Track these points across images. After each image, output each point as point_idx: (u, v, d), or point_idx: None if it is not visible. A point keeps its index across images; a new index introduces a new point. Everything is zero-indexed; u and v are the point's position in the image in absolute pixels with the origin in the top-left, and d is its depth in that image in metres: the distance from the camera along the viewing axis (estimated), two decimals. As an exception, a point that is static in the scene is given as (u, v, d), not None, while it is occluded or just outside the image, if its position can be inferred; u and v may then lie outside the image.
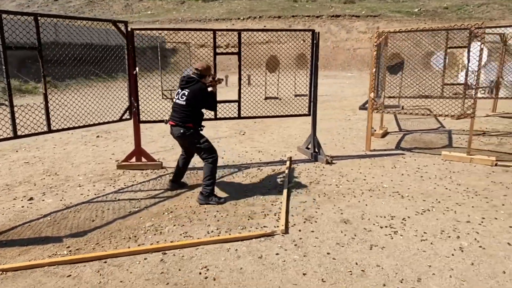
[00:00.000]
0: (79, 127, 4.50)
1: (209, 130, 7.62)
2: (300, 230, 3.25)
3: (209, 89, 4.01)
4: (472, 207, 3.68)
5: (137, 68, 4.79)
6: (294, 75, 10.98)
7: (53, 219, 3.58)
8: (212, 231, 3.27)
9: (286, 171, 4.81)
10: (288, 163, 5.20)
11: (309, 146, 5.64)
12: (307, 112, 5.60)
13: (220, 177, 4.72)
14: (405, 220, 3.40)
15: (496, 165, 4.92)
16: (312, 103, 5.49)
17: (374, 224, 3.33)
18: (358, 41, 26.06)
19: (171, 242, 3.06)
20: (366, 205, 3.77)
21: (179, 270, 2.68)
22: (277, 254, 2.87)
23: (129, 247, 3.01)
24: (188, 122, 3.85)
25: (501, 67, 8.26)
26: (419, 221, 3.37)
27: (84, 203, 3.95)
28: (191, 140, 3.94)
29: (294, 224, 3.37)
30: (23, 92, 13.22)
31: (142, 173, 4.97)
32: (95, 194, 4.22)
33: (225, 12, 35.40)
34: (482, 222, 3.34)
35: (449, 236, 3.08)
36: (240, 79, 5.24)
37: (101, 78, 17.65)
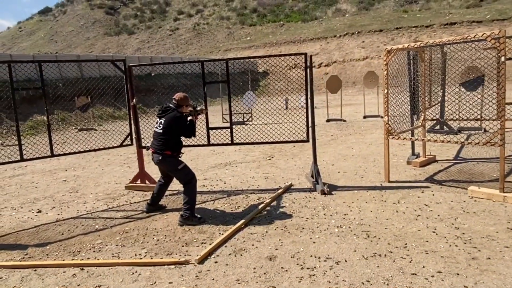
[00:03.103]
0: (80, 152, 5.42)
1: (240, 154, 8.01)
2: (216, 262, 3.30)
3: (189, 118, 4.39)
4: (441, 257, 3.09)
5: (135, 100, 5.54)
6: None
7: (37, 230, 4.42)
8: (140, 254, 3.58)
9: (267, 200, 4.80)
10: (279, 191, 5.15)
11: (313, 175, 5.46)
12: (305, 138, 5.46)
13: (203, 201, 5.01)
14: (338, 264, 3.10)
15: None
16: (310, 129, 5.34)
17: (297, 265, 3.13)
18: (477, 50, 23.01)
19: (88, 259, 3.49)
20: (314, 242, 3.54)
21: (78, 285, 3.08)
22: (170, 283, 3.01)
23: (63, 260, 3.56)
24: (165, 150, 4.26)
25: None
26: (353, 267, 3.03)
27: (72, 218, 4.74)
28: (169, 166, 4.38)
29: (217, 255, 3.42)
30: (115, 117, 15.94)
31: (143, 194, 5.62)
32: (87, 211, 5.01)
33: (321, 31, 35.91)
34: (432, 276, 2.81)
35: (368, 288, 2.71)
36: (230, 105, 5.51)
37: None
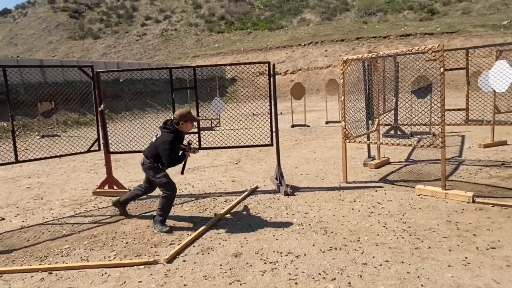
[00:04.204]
0: (46, 158, 5.34)
1: (208, 159, 8.13)
2: (184, 261, 3.42)
3: (182, 152, 4.26)
4: (389, 248, 3.39)
5: (103, 105, 5.56)
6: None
7: (0, 237, 4.33)
8: (109, 256, 3.63)
9: (234, 202, 4.97)
10: (245, 193, 5.33)
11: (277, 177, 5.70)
12: (271, 142, 5.69)
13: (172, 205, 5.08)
14: (297, 258, 3.32)
15: (473, 201, 4.37)
16: (273, 134, 5.59)
17: (261, 260, 3.33)
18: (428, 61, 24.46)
19: (56, 263, 3.51)
20: (277, 239, 3.75)
21: (47, 288, 3.10)
22: (140, 282, 3.10)
23: (31, 265, 3.54)
24: (150, 157, 4.25)
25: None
26: (311, 260, 3.26)
27: (37, 225, 4.67)
28: (149, 171, 4.31)
29: (186, 255, 3.55)
30: (81, 124, 15.52)
31: (110, 199, 5.59)
32: (53, 218, 4.94)
33: (287, 40, 36.67)
34: (380, 265, 3.09)
35: (323, 278, 2.94)
36: (198, 111, 5.65)
37: (155, 109, 19.73)
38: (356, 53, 28.03)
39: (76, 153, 5.65)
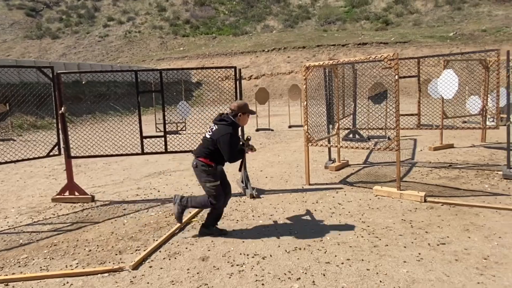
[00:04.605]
0: (1, 163, 5.01)
1: (174, 163, 7.98)
2: (150, 267, 3.34)
3: (242, 146, 3.96)
4: (350, 247, 3.51)
5: (63, 108, 5.31)
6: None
7: (-50, 248, 3.99)
8: (71, 265, 3.46)
9: (200, 206, 4.91)
10: (211, 197, 5.29)
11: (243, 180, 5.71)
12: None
13: (136, 210, 4.94)
14: (264, 259, 3.35)
15: (425, 201, 4.63)
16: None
17: (228, 262, 3.32)
18: (385, 69, 25.61)
19: (13, 274, 3.30)
20: (243, 241, 3.76)
21: (3, 301, 2.90)
22: (104, 289, 2.99)
23: (-15, 277, 3.30)
24: (202, 157, 3.79)
25: (486, 95, 7.81)
26: (277, 261, 3.30)
27: (-9, 234, 4.36)
28: (200, 174, 3.84)
29: (152, 260, 3.46)
30: (38, 127, 14.68)
31: (71, 206, 5.34)
32: (9, 226, 4.63)
33: (251, 45, 36.89)
34: (342, 263, 3.19)
35: (289, 278, 2.99)
36: (164, 115, 5.56)
37: (119, 112, 19.08)
38: (317, 60, 28.79)
39: (33, 158, 5.34)
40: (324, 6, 46.34)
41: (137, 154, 5.64)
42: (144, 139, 5.64)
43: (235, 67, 5.48)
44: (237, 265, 3.27)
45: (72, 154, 5.64)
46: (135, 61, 39.35)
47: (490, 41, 25.37)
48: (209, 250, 3.60)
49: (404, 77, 7.21)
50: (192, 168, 3.97)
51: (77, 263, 3.49)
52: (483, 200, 4.59)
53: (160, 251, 3.65)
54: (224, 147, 3.68)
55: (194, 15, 51.87)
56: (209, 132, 3.87)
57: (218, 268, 3.23)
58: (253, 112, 4.08)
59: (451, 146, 7.97)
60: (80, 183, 5.94)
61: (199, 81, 30.44)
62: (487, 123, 8.29)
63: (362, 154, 7.80)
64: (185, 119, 11.92)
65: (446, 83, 7.29)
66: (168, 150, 5.66)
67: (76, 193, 5.57)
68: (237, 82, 5.46)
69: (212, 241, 3.81)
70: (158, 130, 12.38)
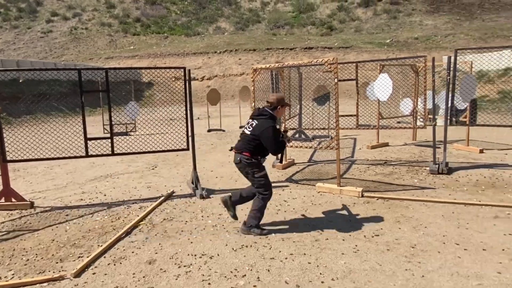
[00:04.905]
0: None
1: (122, 165, 7.65)
2: (94, 274, 3.18)
3: (282, 137, 3.88)
4: (293, 242, 3.62)
5: (-3, 109, 4.86)
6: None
7: None
8: (6, 277, 3.19)
9: (148, 209, 4.77)
10: (161, 199, 5.16)
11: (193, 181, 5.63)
12: (185, 147, 5.61)
13: (80, 216, 4.67)
14: (211, 259, 3.33)
15: (362, 196, 4.90)
16: (189, 138, 5.53)
17: (175, 264, 3.26)
18: (325, 72, 26.63)
19: None
20: (192, 242, 3.72)
21: None
22: (42, 300, 2.79)
23: None
24: (246, 151, 3.76)
25: (416, 97, 8.43)
26: (224, 259, 3.31)
27: None
28: (247, 169, 3.82)
29: (96, 267, 3.29)
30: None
31: (7, 214, 4.91)
32: None
33: (204, 46, 36.46)
34: (286, 258, 3.28)
35: (235, 276, 3.01)
36: (110, 116, 5.31)
37: (62, 112, 17.88)
38: (267, 62, 29.21)
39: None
40: (273, 11, 47.08)
41: (80, 157, 5.32)
42: (88, 141, 5.34)
43: (184, 68, 5.39)
44: (185, 266, 3.22)
45: (9, 158, 5.19)
46: (81, 59, 37.07)
47: (421, 48, 27.44)
48: (156, 253, 3.51)
49: (344, 80, 7.57)
50: (234, 164, 3.94)
51: (12, 274, 3.22)
52: (412, 194, 4.96)
53: (104, 257, 3.48)
54: (268, 140, 3.68)
55: (144, 13, 50.06)
56: (249, 128, 3.83)
57: (165, 271, 3.16)
58: (288, 105, 4.14)
59: (386, 144, 8.51)
60: (18, 189, 5.48)
61: (151, 81, 29.45)
62: (418, 123, 8.98)
63: (307, 153, 8.06)
64: (134, 120, 11.48)
65: (382, 86, 7.77)
66: (116, 152, 5.42)
67: (13, 200, 5.12)
68: (187, 83, 5.37)
69: (159, 244, 3.72)
70: (106, 131, 11.79)
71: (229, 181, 6.12)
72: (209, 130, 12.03)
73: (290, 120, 8.67)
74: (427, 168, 6.10)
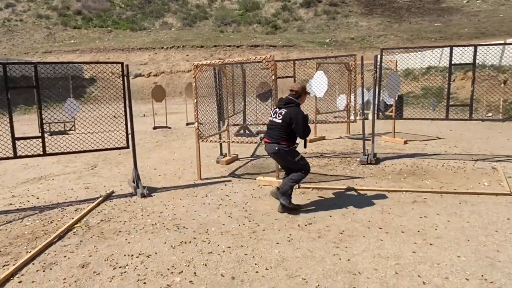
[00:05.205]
0: None
1: (58, 166, 7.12)
2: (20, 282, 2.92)
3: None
4: (232, 235, 3.65)
5: None
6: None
7: None
8: None
9: (85, 210, 4.49)
10: (99, 200, 4.88)
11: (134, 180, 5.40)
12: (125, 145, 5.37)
13: (8, 221, 4.25)
14: (148, 257, 3.24)
15: (299, 187, 5.07)
16: (129, 136, 5.29)
17: (110, 266, 3.11)
18: (263, 69, 27.04)
19: None
20: (129, 242, 3.57)
21: None
22: (-43, 316, 2.51)
23: None
24: (283, 140, 4.03)
25: (349, 93, 8.89)
26: (161, 257, 3.23)
27: None
28: (285, 157, 4.12)
29: (23, 275, 3.03)
30: None
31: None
32: None
33: (150, 42, 35.05)
34: (223, 251, 3.29)
35: (172, 273, 2.96)
36: (40, 113, 4.90)
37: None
38: (215, 59, 28.86)
39: None
40: (220, 8, 46.61)
41: (8, 158, 4.84)
42: (17, 141, 4.87)
43: (122, 63, 5.13)
44: (120, 267, 3.09)
45: None
46: (15, 53, 33.68)
47: (357, 47, 28.95)
48: (90, 256, 3.32)
49: (283, 77, 7.74)
50: (269, 155, 4.25)
51: None
52: (343, 184, 5.24)
53: (33, 264, 3.22)
54: (300, 125, 3.97)
55: (86, 6, 46.76)
56: (278, 117, 4.08)
57: (98, 273, 3.00)
58: (309, 93, 4.55)
59: (323, 138, 8.88)
60: None
61: (93, 77, 27.68)
62: (352, 117, 9.48)
63: (251, 148, 8.14)
64: (73, 117, 10.71)
65: (318, 83, 8.07)
66: (49, 152, 5.01)
67: None
68: (125, 79, 5.11)
69: (95, 246, 3.52)
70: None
71: (172, 178, 5.97)
72: (154, 128, 11.63)
73: (235, 116, 8.67)
74: (358, 159, 6.47)
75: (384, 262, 3.05)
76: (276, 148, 4.06)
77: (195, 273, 2.95)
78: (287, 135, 4.04)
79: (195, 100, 5.87)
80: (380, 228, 3.72)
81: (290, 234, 3.62)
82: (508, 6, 38.19)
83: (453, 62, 6.14)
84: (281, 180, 5.19)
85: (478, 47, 6.11)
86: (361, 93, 6.48)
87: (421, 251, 3.23)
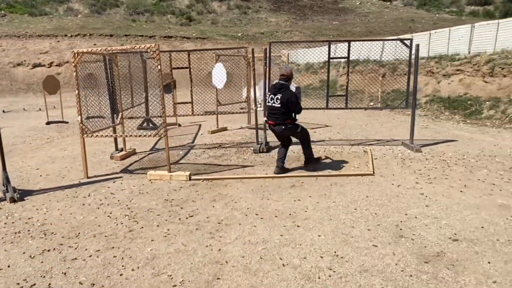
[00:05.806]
0: None
1: None
2: None
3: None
4: (105, 236, 3.33)
5: None
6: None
7: None
8: None
9: None
10: (-47, 209, 4.04)
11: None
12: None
13: None
14: (8, 268, 2.75)
15: (190, 179, 4.92)
16: (-9, 135, 4.46)
17: None
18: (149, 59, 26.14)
19: None
20: (-22, 258, 3.00)
21: None
22: None
23: None
24: (287, 119, 4.87)
25: (249, 85, 8.97)
26: (14, 270, 2.78)
27: None
28: (292, 132, 5.01)
29: None
30: None
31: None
32: None
33: (52, 28, 30.80)
34: (89, 256, 2.98)
35: (22, 287, 2.56)
36: None
37: None
38: (126, 48, 26.70)
39: None
40: (132, -4, 43.13)
41: None
42: None
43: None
44: (-44, 289, 2.56)
45: None
46: None
47: (266, 42, 29.52)
48: None
49: (178, 68, 7.51)
50: (277, 133, 5.07)
51: None
52: (234, 173, 5.24)
53: None
54: (294, 104, 4.75)
55: (-32, -16, 38.82)
56: (276, 101, 4.80)
57: None
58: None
59: (225, 129, 8.85)
60: None
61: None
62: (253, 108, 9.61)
63: (151, 142, 7.69)
64: None
65: (218, 75, 7.95)
66: None
67: None
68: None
69: None
70: None
71: (55, 178, 5.28)
72: (48, 123, 10.23)
73: (136, 108, 8.06)
74: (252, 148, 6.58)
75: (252, 248, 3.08)
76: (283, 127, 4.88)
77: (49, 284, 2.59)
78: (289, 115, 4.84)
79: (77, 91, 5.23)
80: (256, 215, 3.76)
81: (168, 229, 3.45)
82: (390, 9, 43.20)
83: (331, 56, 6.63)
84: (171, 174, 4.99)
85: (352, 42, 6.67)
86: (253, 85, 6.55)
87: (288, 233, 3.33)
